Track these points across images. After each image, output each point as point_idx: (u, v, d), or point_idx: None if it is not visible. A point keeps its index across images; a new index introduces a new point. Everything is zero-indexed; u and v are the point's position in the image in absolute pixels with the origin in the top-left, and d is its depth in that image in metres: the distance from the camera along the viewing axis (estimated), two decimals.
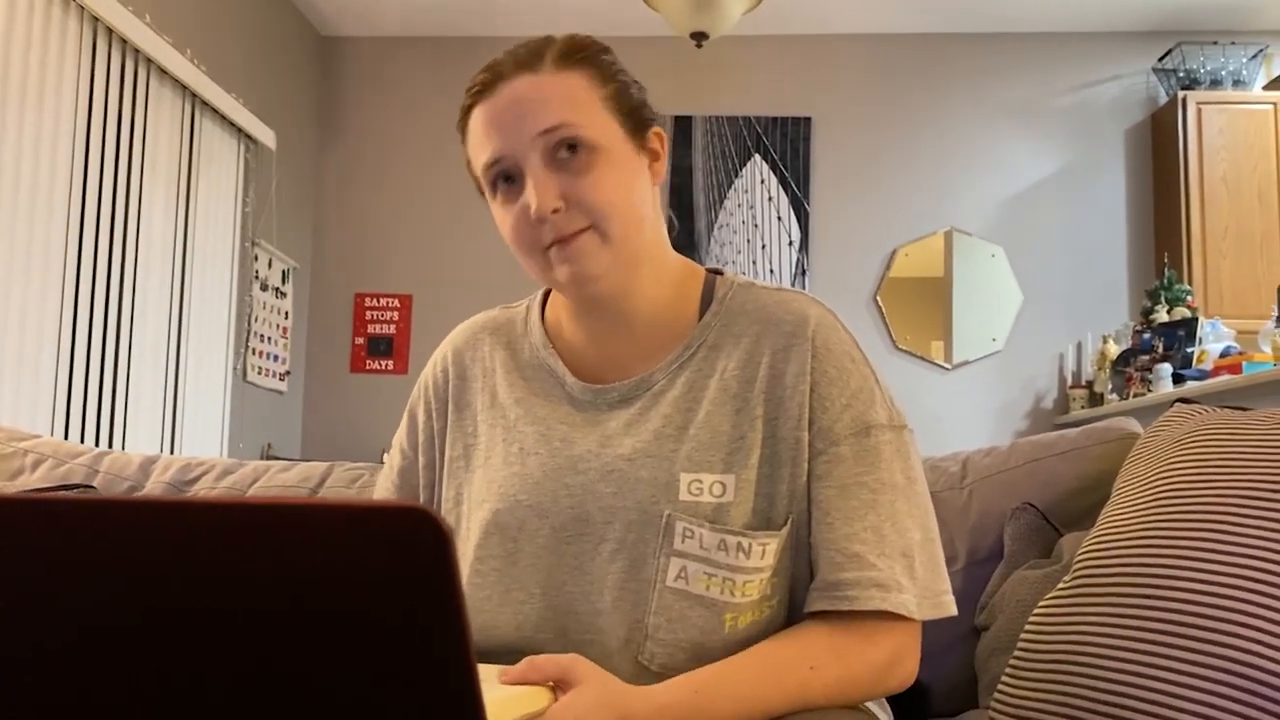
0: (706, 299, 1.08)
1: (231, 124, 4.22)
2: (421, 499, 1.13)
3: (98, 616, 0.37)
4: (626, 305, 1.05)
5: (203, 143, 4.04)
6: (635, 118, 1.02)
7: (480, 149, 1.00)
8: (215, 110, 4.09)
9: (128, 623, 0.38)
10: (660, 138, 1.06)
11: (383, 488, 1.20)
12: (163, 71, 3.75)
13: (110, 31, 3.46)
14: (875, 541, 0.97)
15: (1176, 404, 1.41)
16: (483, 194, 1.06)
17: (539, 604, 1.00)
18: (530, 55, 0.99)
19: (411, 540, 0.33)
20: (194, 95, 3.96)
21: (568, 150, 0.96)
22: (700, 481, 0.97)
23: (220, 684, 0.38)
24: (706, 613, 0.95)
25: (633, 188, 1.00)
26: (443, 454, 1.13)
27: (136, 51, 3.60)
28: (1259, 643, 0.96)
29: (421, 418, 1.16)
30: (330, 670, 0.38)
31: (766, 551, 0.97)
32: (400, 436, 1.19)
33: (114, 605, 0.37)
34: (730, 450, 0.99)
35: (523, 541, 1.02)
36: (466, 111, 1.03)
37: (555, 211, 0.96)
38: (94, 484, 1.70)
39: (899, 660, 0.99)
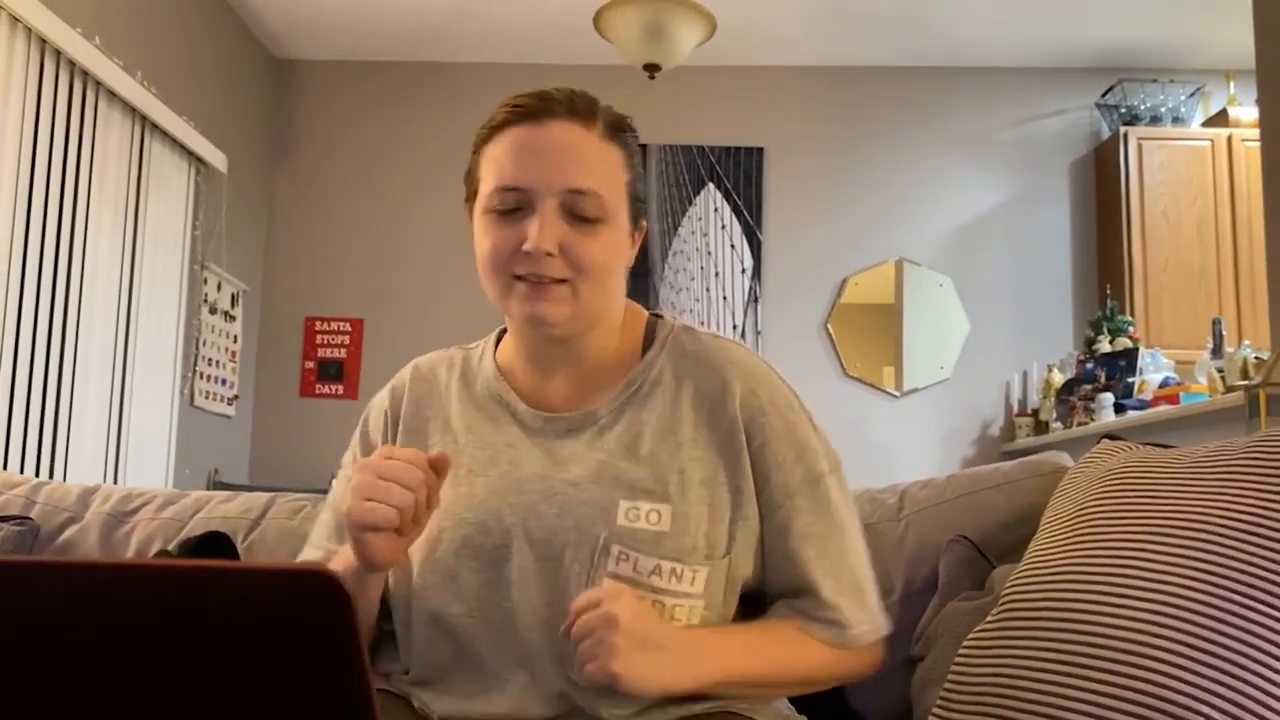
0: (649, 339, 1.16)
1: (182, 147, 4.19)
2: None
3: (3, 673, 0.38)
4: (575, 348, 1.12)
5: (152, 165, 4.01)
6: (636, 208, 1.12)
7: (503, 168, 1.05)
8: (165, 133, 4.06)
9: (35, 679, 0.39)
10: (643, 230, 1.15)
11: (323, 522, 1.21)
12: (112, 94, 3.72)
13: (59, 53, 3.43)
14: (833, 584, 1.09)
15: (1103, 440, 1.45)
16: (468, 200, 1.12)
17: (478, 619, 1.05)
18: (586, 108, 1.07)
19: (312, 602, 0.35)
20: (144, 118, 3.93)
21: (582, 211, 1.04)
22: (638, 509, 1.03)
23: None
24: None
25: (618, 260, 1.09)
26: None
27: (85, 74, 3.57)
28: (1172, 677, 0.99)
29: (375, 437, 1.19)
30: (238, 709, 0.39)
31: (698, 579, 1.03)
32: (346, 460, 1.21)
33: (19, 665, 0.38)
34: (669, 482, 1.05)
35: (465, 558, 1.06)
36: (501, 125, 1.07)
37: (548, 255, 1.03)
38: (31, 515, 1.68)
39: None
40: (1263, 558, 1.02)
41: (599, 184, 1.05)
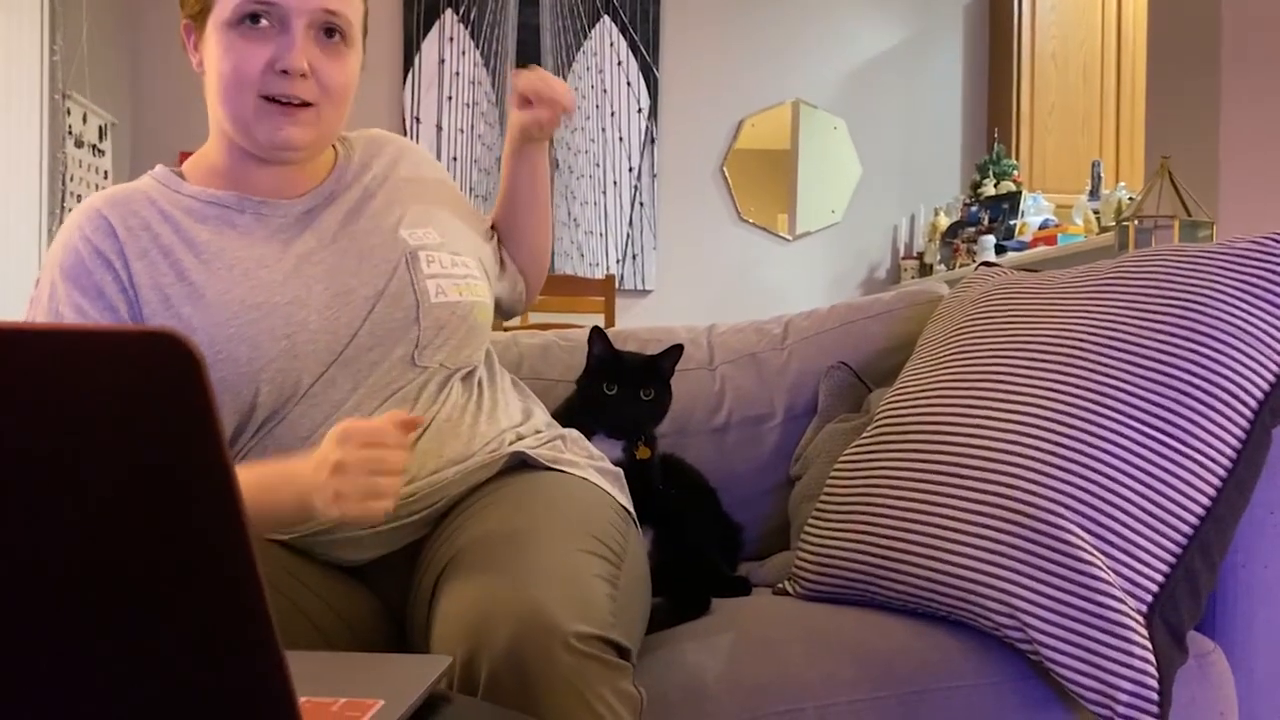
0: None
1: None
2: None
3: None
4: (295, 166, 1.14)
5: None
6: (366, 21, 1.14)
7: None
8: None
9: None
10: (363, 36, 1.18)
11: None
12: None
13: None
14: None
15: (980, 267, 1.50)
16: (193, 16, 1.08)
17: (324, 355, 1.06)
18: None
19: (161, 365, 0.34)
20: None
21: (328, 32, 1.07)
22: (416, 231, 1.15)
23: None
24: (462, 315, 1.12)
25: (354, 86, 1.12)
26: (133, 304, 1.06)
27: None
28: (1032, 481, 1.06)
29: (103, 272, 1.05)
30: (78, 503, 0.38)
31: (478, 264, 1.20)
32: (59, 302, 1.05)
33: None
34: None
35: (297, 336, 1.04)
36: None
37: (301, 76, 1.05)
38: None
39: None
40: (1119, 368, 1.08)
41: (347, 7, 1.07)
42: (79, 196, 4.20)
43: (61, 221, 4.20)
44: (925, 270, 4.86)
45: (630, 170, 4.98)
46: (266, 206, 1.11)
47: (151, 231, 1.07)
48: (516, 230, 1.35)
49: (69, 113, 4.15)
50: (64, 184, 4.11)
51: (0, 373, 0.34)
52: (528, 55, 4.91)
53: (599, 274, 4.81)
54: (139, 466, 0.38)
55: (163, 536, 0.40)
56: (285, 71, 1.04)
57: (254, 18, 1.04)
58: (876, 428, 1.28)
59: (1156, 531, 1.02)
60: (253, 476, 0.94)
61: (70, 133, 4.15)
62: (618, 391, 1.28)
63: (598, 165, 4.97)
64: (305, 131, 1.08)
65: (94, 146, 4.36)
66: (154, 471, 0.38)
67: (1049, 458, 1.06)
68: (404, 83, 4.84)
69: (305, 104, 1.06)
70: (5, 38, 3.74)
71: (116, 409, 0.36)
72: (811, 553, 1.24)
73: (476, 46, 4.89)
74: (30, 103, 3.88)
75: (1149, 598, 1.00)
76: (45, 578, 0.40)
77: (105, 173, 4.49)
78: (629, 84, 4.99)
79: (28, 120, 3.87)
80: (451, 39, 4.87)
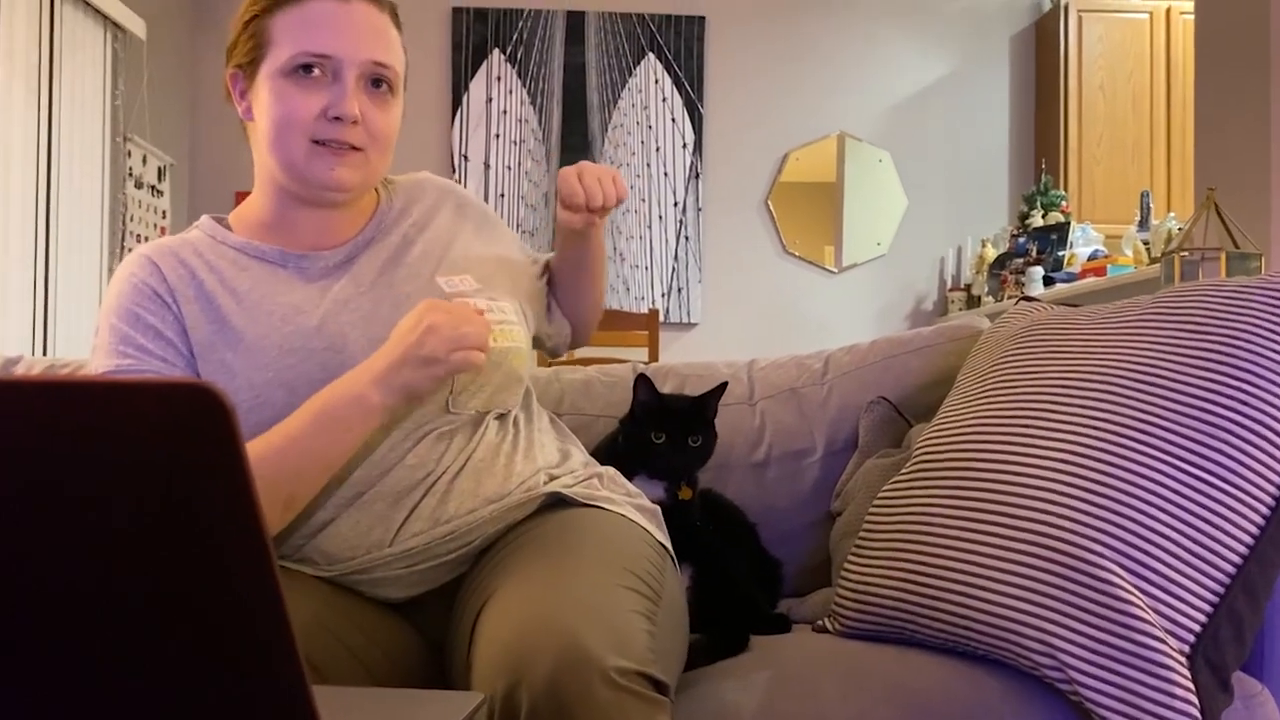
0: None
1: (96, 11, 4.00)
2: None
3: None
4: (340, 208, 1.19)
5: (65, 32, 3.82)
6: (406, 72, 1.21)
7: (310, 36, 1.09)
8: None
9: None
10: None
11: None
12: None
13: None
14: None
15: (1019, 302, 1.50)
16: (242, 65, 1.13)
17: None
18: None
19: (192, 416, 0.35)
20: None
21: (375, 82, 1.13)
22: (453, 279, 1.18)
23: None
24: (496, 363, 1.14)
25: (398, 128, 1.18)
26: (187, 344, 1.10)
27: None
28: (1068, 519, 1.05)
29: (160, 313, 1.10)
30: (107, 553, 0.40)
31: (516, 309, 1.22)
32: (119, 343, 1.09)
33: None
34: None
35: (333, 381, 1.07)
36: None
37: (352, 123, 1.11)
38: None
39: None
40: (1159, 405, 1.07)
41: (391, 57, 1.14)
42: (139, 236, 4.32)
43: (121, 259, 4.32)
44: (973, 302, 4.82)
45: (675, 204, 5.01)
46: (307, 260, 1.15)
47: (197, 279, 1.11)
48: (568, 293, 1.37)
49: (129, 155, 4.28)
50: (124, 224, 4.23)
51: (51, 422, 0.36)
52: (574, 93, 4.98)
53: (644, 308, 4.84)
54: (172, 507, 0.40)
55: (192, 573, 0.41)
56: (338, 118, 1.10)
57: (307, 68, 1.10)
58: (916, 464, 1.28)
59: (1198, 570, 1.01)
60: (306, 406, 1.03)
61: (131, 174, 4.28)
62: (665, 440, 1.29)
63: (643, 200, 5.01)
64: (354, 174, 1.13)
65: (153, 187, 4.49)
66: (185, 512, 0.40)
67: (1087, 495, 1.05)
68: (452, 121, 4.93)
69: (354, 149, 1.12)
70: (71, 83, 3.87)
71: (155, 454, 0.38)
72: (850, 589, 1.24)
73: (523, 85, 4.97)
74: (94, 145, 4.01)
75: (1191, 638, 0.99)
76: (82, 611, 0.42)
77: (164, 212, 4.61)
78: (673, 120, 5.04)
79: (92, 163, 4.00)
80: (499, 78, 4.96)
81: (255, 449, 1.00)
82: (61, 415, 0.36)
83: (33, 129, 3.62)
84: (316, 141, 1.10)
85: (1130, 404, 1.09)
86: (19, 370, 1.70)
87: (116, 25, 4.15)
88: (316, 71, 1.10)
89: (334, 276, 1.15)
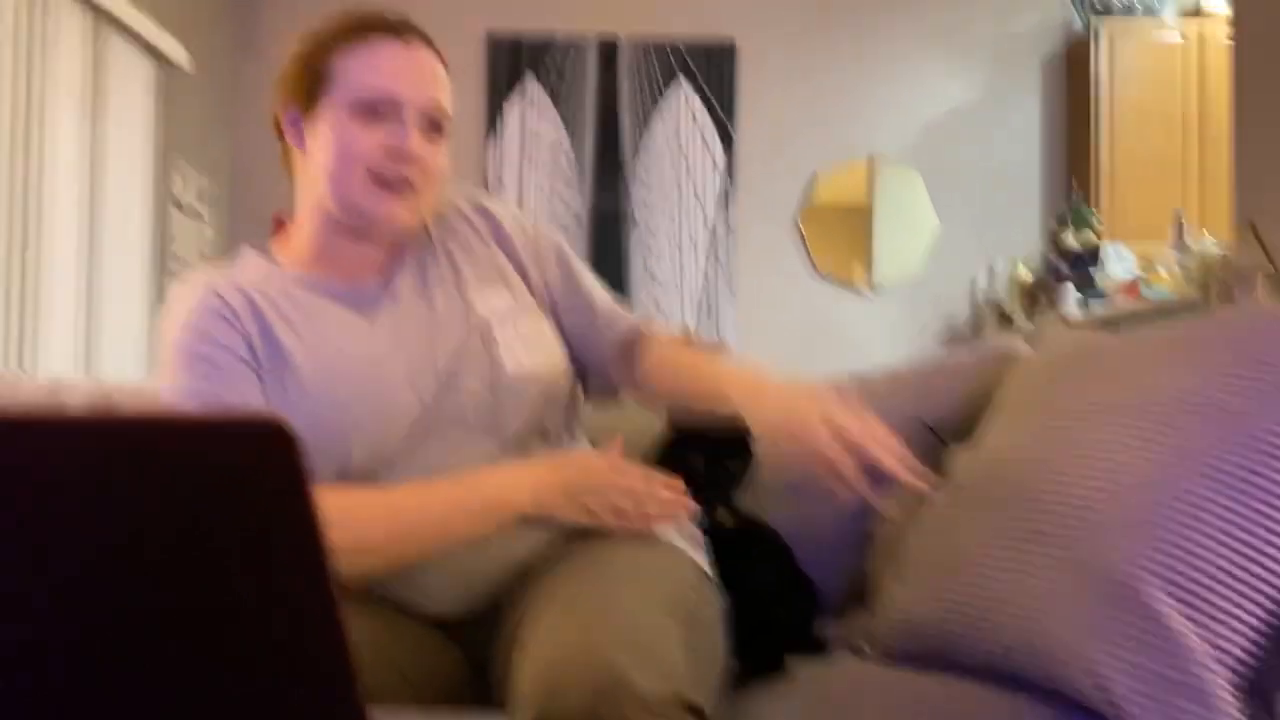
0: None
1: (142, 41, 4.08)
2: None
3: None
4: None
5: (111, 62, 3.90)
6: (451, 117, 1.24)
7: (371, 74, 1.14)
8: (124, 26, 3.94)
9: None
10: None
11: None
12: None
13: None
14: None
15: (1057, 323, 1.49)
16: (300, 97, 1.17)
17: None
18: (426, 40, 1.21)
19: (261, 452, 0.37)
20: (99, 10, 3.81)
21: (433, 126, 1.18)
22: (492, 302, 1.20)
23: (59, 611, 0.41)
24: (537, 382, 1.17)
25: (447, 168, 1.23)
26: (256, 362, 1.13)
27: None
28: (1112, 546, 1.05)
29: (230, 335, 1.13)
30: (179, 586, 0.41)
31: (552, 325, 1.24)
32: (195, 361, 1.12)
33: None
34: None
35: (380, 405, 1.12)
36: (367, 29, 1.16)
37: (412, 160, 1.15)
38: None
39: None
40: (1202, 430, 1.07)
41: (447, 103, 1.20)
42: (181, 259, 4.39)
43: (164, 280, 4.36)
44: (1006, 322, 4.80)
45: (706, 227, 5.03)
46: (354, 290, 1.18)
47: (255, 307, 1.14)
48: (652, 399, 1.36)
49: (173, 181, 4.36)
50: (168, 247, 4.30)
51: (121, 459, 0.38)
52: (606, 116, 5.02)
53: (675, 328, 4.85)
54: (241, 537, 0.41)
55: (260, 602, 0.43)
56: (399, 155, 1.14)
57: (371, 106, 1.14)
58: (955, 487, 1.28)
59: (1245, 597, 1.00)
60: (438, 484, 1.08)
61: (174, 199, 4.36)
62: (704, 465, 1.29)
63: (673, 221, 5.03)
64: (409, 211, 1.17)
65: (196, 210, 4.57)
66: (254, 542, 0.41)
67: (1134, 521, 1.05)
68: (486, 144, 4.98)
69: (410, 186, 1.15)
70: (119, 114, 3.96)
71: (225, 487, 0.39)
72: (891, 613, 1.24)
73: (556, 109, 5.02)
74: (139, 172, 4.09)
75: (1240, 666, 0.98)
76: (145, 637, 0.43)
77: (206, 235, 4.69)
78: (704, 142, 5.06)
79: (137, 189, 4.08)
80: (533, 102, 5.01)
81: (390, 499, 1.07)
82: (142, 453, 0.38)
83: (81, 157, 3.70)
84: (375, 176, 1.13)
85: (1174, 428, 1.09)
86: (63, 393, 1.74)
87: (161, 55, 4.23)
88: (380, 110, 1.14)
89: (378, 303, 1.18)
